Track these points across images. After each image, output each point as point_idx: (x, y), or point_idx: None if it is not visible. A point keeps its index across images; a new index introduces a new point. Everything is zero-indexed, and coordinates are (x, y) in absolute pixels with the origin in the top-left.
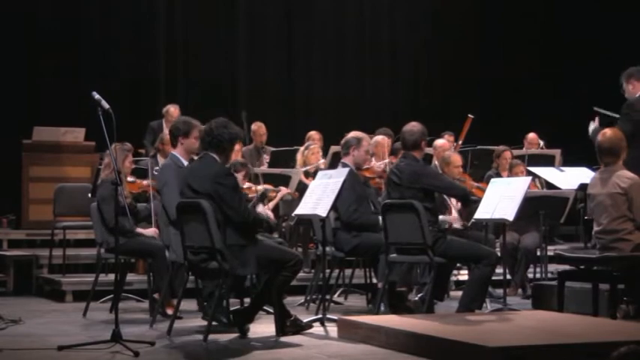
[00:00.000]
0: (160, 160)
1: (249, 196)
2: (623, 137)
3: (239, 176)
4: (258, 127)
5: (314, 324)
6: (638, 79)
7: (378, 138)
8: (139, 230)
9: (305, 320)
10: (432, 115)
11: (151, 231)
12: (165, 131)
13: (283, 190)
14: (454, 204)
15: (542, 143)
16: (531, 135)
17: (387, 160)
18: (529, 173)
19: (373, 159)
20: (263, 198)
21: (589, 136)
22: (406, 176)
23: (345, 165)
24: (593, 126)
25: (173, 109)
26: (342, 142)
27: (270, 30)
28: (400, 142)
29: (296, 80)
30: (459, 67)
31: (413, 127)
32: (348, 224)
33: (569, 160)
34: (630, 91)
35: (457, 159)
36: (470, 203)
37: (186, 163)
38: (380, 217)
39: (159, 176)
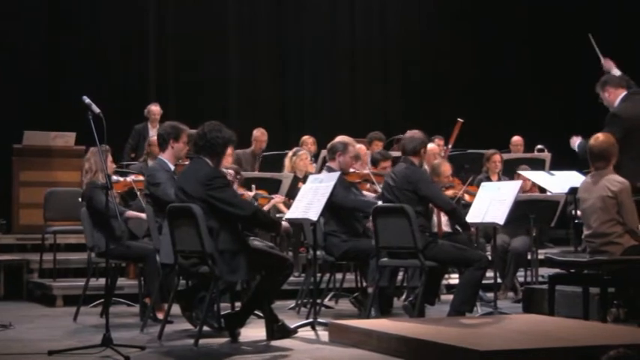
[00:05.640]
0: (150, 163)
1: None
2: (615, 142)
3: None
4: (261, 134)
5: (304, 328)
6: (612, 85)
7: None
8: (130, 213)
9: (296, 324)
10: (422, 118)
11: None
12: (152, 132)
13: (276, 198)
14: None
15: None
16: (515, 138)
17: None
18: (519, 177)
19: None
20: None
21: (577, 152)
22: (400, 179)
23: (330, 169)
24: (578, 141)
25: (154, 107)
26: (329, 146)
27: (261, 33)
28: (400, 147)
29: (287, 84)
30: (448, 71)
31: (414, 134)
32: None
33: (557, 163)
34: (608, 99)
35: (447, 169)
36: (455, 218)
37: (172, 167)
38: None
39: (151, 176)
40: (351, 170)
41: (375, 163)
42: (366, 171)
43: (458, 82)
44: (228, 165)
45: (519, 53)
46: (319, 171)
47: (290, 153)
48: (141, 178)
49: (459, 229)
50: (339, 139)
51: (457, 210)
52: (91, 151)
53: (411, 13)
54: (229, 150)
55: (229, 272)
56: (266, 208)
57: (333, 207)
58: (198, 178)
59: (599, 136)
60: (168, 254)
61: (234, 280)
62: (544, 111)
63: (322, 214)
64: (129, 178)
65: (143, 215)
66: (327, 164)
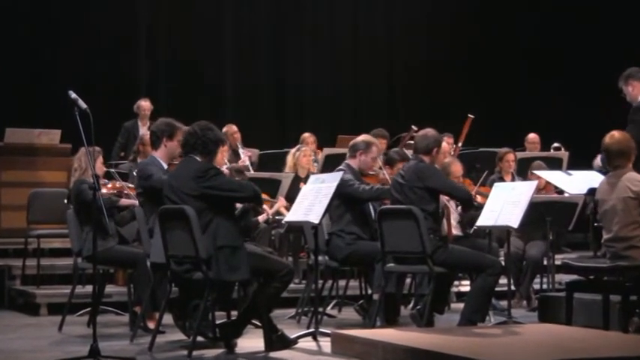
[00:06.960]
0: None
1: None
2: (631, 139)
3: None
4: (229, 128)
5: (305, 339)
6: (637, 79)
7: None
8: (124, 200)
9: (296, 334)
10: (430, 115)
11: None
12: (142, 130)
13: (279, 202)
14: (454, 208)
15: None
16: (532, 135)
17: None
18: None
19: None
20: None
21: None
22: (410, 176)
23: (349, 167)
24: (599, 156)
25: (144, 103)
26: (351, 143)
27: (260, 28)
28: (412, 146)
29: (287, 81)
30: (456, 68)
31: (427, 132)
32: None
33: (575, 162)
34: (631, 93)
35: (458, 169)
36: (471, 207)
37: (166, 166)
38: None
39: (142, 170)
40: (371, 172)
41: (390, 163)
42: (386, 176)
43: (467, 76)
44: (233, 165)
45: (532, 47)
46: (321, 170)
47: (293, 150)
48: (131, 185)
49: (469, 230)
50: (362, 137)
51: (472, 198)
52: (82, 151)
53: (416, 7)
54: (225, 147)
55: (229, 271)
56: (272, 211)
57: (347, 200)
58: (190, 174)
59: (615, 134)
60: (159, 253)
61: (233, 280)
62: (560, 107)
63: (324, 216)
64: (118, 183)
65: (136, 202)
66: (346, 161)
